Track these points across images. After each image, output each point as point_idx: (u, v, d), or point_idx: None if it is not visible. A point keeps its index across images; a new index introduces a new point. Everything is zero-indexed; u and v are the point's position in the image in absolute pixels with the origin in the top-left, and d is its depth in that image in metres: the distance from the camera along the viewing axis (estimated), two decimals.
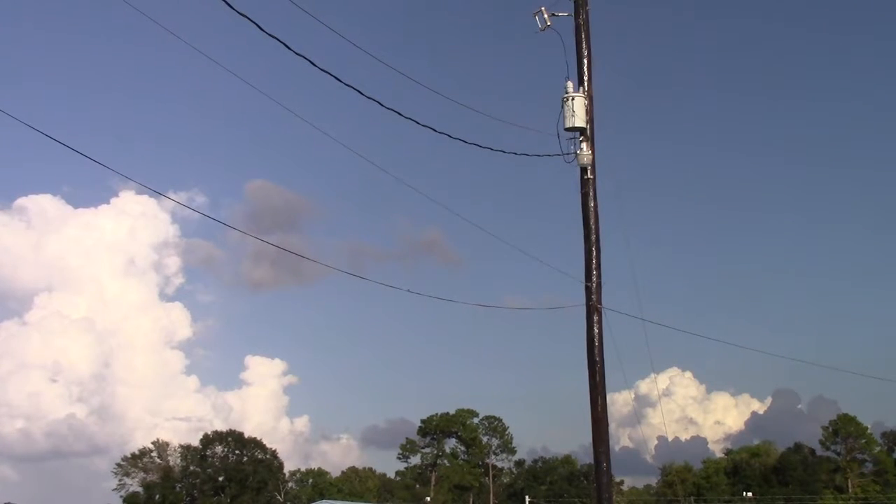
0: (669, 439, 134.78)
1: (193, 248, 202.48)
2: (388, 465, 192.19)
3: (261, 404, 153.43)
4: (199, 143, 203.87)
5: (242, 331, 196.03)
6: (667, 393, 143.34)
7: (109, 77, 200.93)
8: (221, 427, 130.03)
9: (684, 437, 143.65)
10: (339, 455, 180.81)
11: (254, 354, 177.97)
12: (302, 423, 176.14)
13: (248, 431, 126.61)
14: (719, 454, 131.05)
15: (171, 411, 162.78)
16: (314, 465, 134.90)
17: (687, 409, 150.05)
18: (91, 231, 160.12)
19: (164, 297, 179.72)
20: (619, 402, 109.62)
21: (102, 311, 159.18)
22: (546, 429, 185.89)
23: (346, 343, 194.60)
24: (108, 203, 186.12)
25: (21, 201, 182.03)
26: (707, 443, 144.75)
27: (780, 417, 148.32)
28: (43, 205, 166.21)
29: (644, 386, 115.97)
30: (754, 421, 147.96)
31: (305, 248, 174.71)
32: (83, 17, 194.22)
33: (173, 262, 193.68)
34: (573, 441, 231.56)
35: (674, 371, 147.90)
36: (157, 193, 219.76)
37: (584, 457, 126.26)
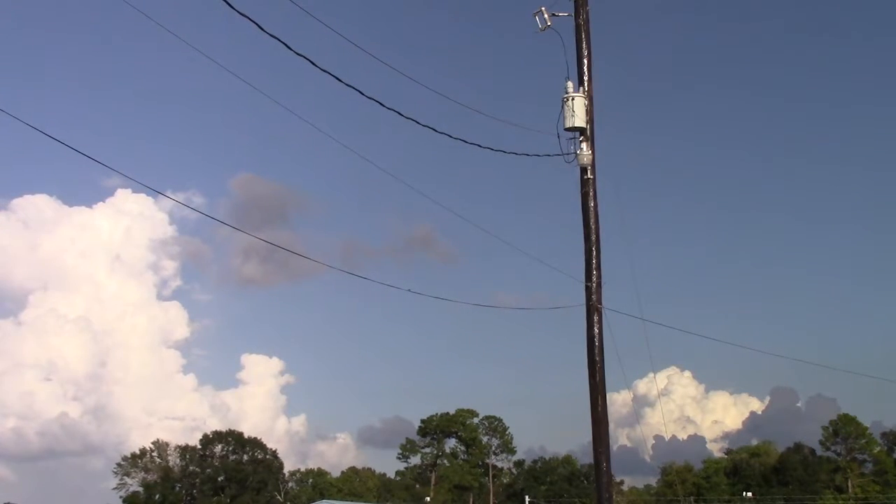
0: (667, 438, 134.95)
1: (190, 246, 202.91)
2: (388, 464, 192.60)
3: (257, 403, 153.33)
4: (198, 143, 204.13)
5: (239, 329, 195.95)
6: (665, 392, 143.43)
7: (107, 76, 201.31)
8: (217, 426, 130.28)
9: (682, 436, 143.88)
10: (335, 454, 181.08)
11: (250, 353, 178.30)
12: (299, 422, 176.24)
13: (245, 431, 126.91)
14: (717, 453, 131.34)
15: (168, 411, 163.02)
16: (311, 465, 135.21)
17: (685, 408, 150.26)
18: (86, 230, 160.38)
19: (161, 296, 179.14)
20: (617, 402, 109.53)
21: (98, 311, 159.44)
22: (546, 429, 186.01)
23: (343, 341, 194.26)
24: (103, 202, 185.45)
25: (16, 201, 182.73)
26: (705, 442, 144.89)
27: (779, 416, 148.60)
28: (38, 204, 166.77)
29: (642, 385, 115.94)
30: (752, 420, 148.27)
31: (300, 244, 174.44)
32: (81, 15, 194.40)
33: (170, 261, 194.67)
34: (573, 441, 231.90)
35: (672, 370, 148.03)
36: (154, 192, 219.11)
37: (584, 457, 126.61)
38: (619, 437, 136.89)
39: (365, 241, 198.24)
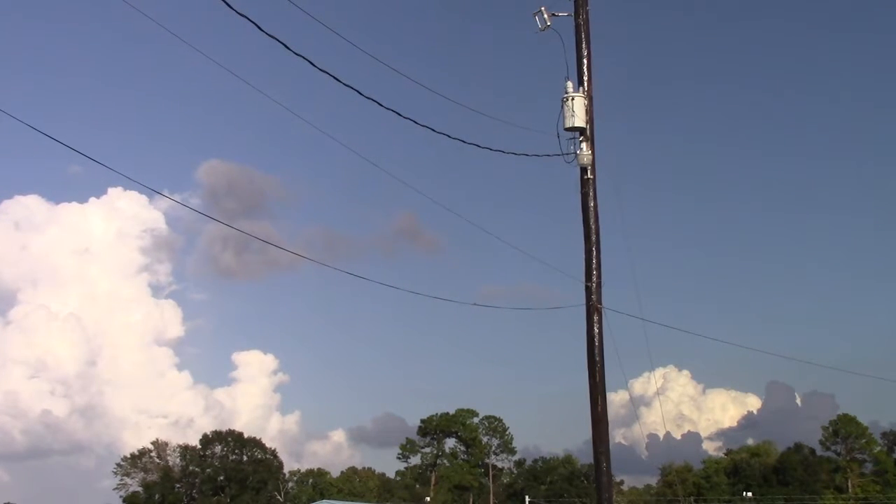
0: (661, 437, 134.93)
1: (182, 244, 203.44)
2: (385, 463, 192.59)
3: (250, 401, 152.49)
4: (196, 142, 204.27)
5: (231, 327, 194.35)
6: (662, 390, 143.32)
7: (107, 75, 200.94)
8: (211, 425, 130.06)
9: (678, 434, 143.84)
10: (329, 452, 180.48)
11: (242, 351, 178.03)
12: (292, 420, 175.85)
13: (238, 428, 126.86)
14: (713, 451, 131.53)
15: (160, 409, 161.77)
16: (305, 463, 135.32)
17: (682, 406, 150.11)
18: (77, 227, 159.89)
19: (153, 293, 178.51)
20: (615, 401, 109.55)
21: (90, 309, 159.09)
22: (542, 428, 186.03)
23: (336, 337, 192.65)
24: (96, 199, 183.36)
25: (8, 199, 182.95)
26: (701, 440, 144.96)
27: (775, 413, 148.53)
28: (28, 203, 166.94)
29: (639, 385, 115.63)
30: (749, 417, 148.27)
31: (278, 236, 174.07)
32: (79, 14, 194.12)
33: (162, 259, 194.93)
34: (569, 441, 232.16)
35: (669, 368, 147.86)
36: (149, 190, 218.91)
37: (581, 456, 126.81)
38: (616, 436, 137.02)
39: (366, 240, 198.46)
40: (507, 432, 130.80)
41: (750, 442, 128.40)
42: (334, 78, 13.18)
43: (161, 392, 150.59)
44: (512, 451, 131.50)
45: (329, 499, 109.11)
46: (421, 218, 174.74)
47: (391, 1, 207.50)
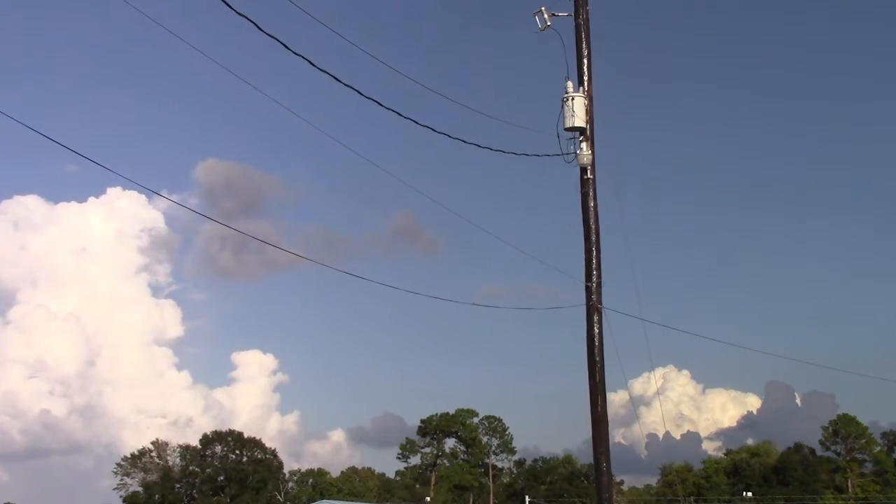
0: (660, 437, 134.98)
1: (181, 243, 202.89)
2: (387, 464, 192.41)
3: (249, 401, 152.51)
4: (195, 142, 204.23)
5: (230, 327, 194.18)
6: (662, 390, 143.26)
7: (106, 75, 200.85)
8: (211, 424, 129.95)
9: (678, 434, 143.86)
10: (328, 452, 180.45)
11: (241, 350, 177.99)
12: (292, 420, 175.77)
13: (238, 428, 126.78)
14: (713, 451, 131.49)
15: (160, 409, 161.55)
16: (306, 463, 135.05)
17: (682, 405, 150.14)
18: (77, 227, 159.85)
19: (152, 293, 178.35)
20: (616, 401, 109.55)
21: (89, 309, 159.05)
22: (540, 428, 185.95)
23: (335, 337, 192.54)
24: (96, 199, 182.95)
25: (7, 199, 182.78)
26: (701, 439, 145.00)
27: (776, 413, 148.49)
28: (28, 203, 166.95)
29: (638, 385, 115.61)
30: (749, 417, 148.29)
31: (276, 235, 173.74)
32: (78, 14, 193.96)
33: (161, 259, 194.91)
34: (568, 440, 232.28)
35: (669, 368, 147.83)
36: (147, 190, 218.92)
37: (580, 456, 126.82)
38: (616, 436, 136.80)
39: (365, 239, 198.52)
40: (507, 432, 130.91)
41: (750, 442, 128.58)
42: (334, 78, 13.18)
43: (161, 392, 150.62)
44: (512, 451, 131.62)
45: (329, 499, 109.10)
46: (420, 218, 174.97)
47: (391, 1, 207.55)
